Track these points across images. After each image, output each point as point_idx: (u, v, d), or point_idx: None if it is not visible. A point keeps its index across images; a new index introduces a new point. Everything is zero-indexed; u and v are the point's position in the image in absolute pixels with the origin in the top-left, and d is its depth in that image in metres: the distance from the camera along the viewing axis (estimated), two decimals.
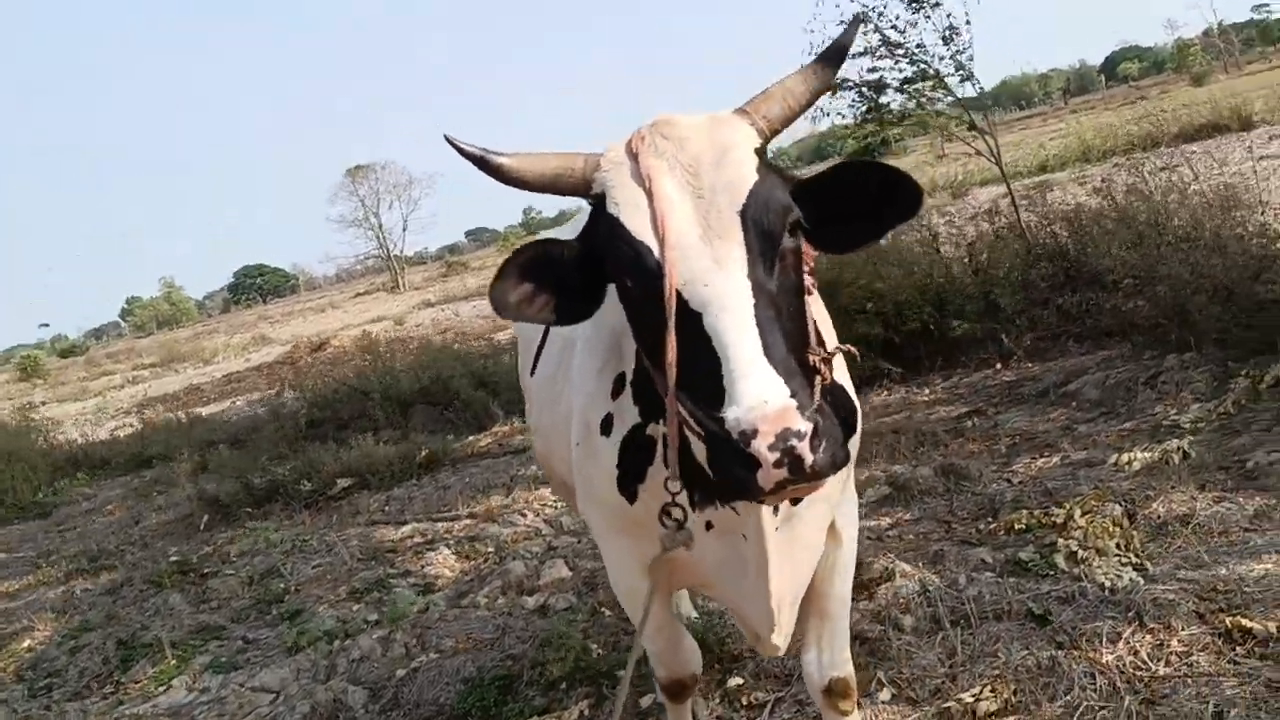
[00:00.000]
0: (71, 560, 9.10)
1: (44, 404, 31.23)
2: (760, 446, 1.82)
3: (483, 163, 2.25)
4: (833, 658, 3.04)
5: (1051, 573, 4.46)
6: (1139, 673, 3.59)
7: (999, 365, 8.21)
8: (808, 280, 2.33)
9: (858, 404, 2.87)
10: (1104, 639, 3.79)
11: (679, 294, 2.01)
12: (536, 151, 2.28)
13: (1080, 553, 4.53)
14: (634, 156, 2.16)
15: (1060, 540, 4.66)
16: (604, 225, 2.16)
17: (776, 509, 2.48)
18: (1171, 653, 3.67)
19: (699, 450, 2.08)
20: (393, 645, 5.41)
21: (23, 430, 14.65)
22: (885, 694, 3.84)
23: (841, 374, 2.84)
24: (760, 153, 2.20)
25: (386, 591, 6.45)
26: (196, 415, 15.28)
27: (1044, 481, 5.59)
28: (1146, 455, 5.56)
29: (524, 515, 7.61)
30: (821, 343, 2.30)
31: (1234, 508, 4.72)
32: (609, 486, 2.73)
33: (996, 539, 5.04)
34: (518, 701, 4.45)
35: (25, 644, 7.11)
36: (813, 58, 2.37)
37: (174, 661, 6.04)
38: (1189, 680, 3.48)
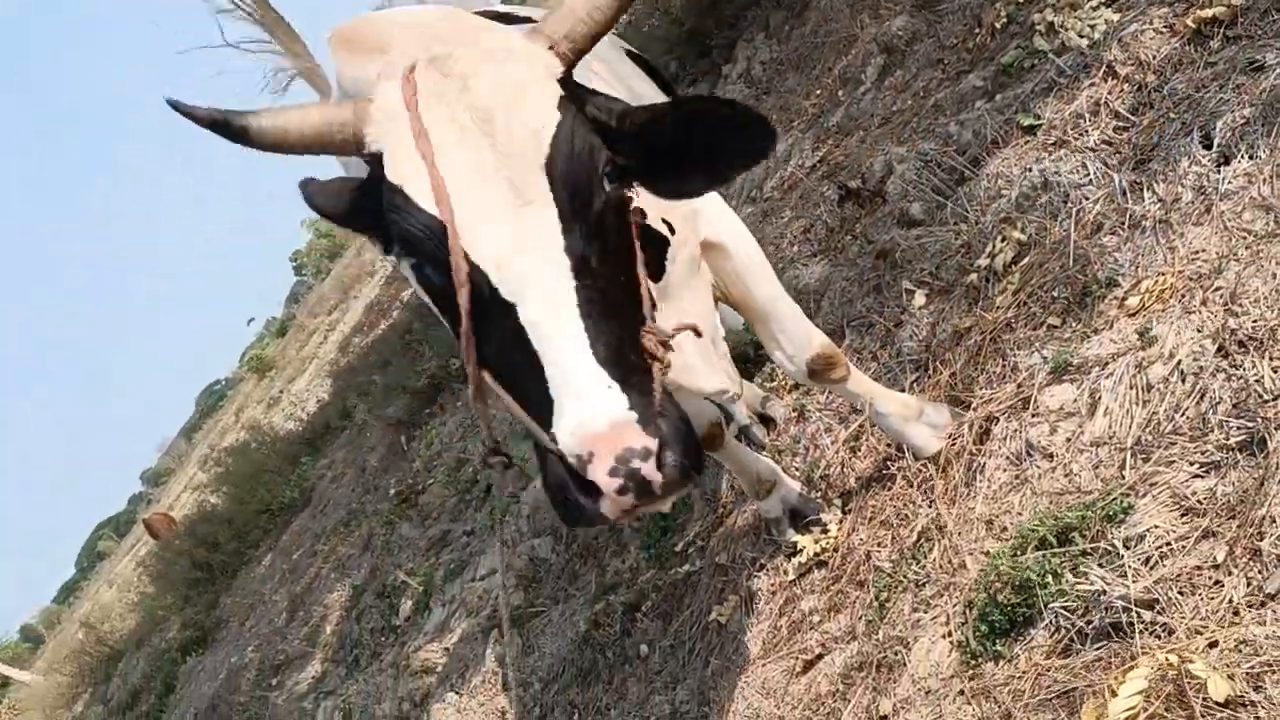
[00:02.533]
0: (333, 533, 9.99)
1: (282, 393, 33.33)
2: (598, 472, 1.57)
3: (223, 126, 1.83)
4: (794, 346, 2.93)
5: (1035, 63, 4.06)
6: (1122, 135, 3.28)
7: None
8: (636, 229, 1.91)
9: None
10: (1086, 116, 3.46)
11: (487, 277, 1.68)
12: (289, 106, 1.87)
13: (1056, 20, 4.08)
14: (411, 105, 1.75)
15: (1037, 16, 4.21)
16: (389, 197, 1.76)
17: None
18: (1149, 89, 3.31)
19: None
20: None
21: (251, 443, 15.91)
22: (919, 298, 3.70)
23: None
24: (565, 82, 1.81)
25: None
26: (360, 349, 16.06)
27: None
28: None
29: None
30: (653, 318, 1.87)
31: None
32: None
33: (985, 51, 4.61)
34: None
35: (329, 630, 7.99)
36: None
37: (421, 589, 6.62)
38: (1171, 113, 3.14)
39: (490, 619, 5.25)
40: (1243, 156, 2.78)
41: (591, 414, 1.58)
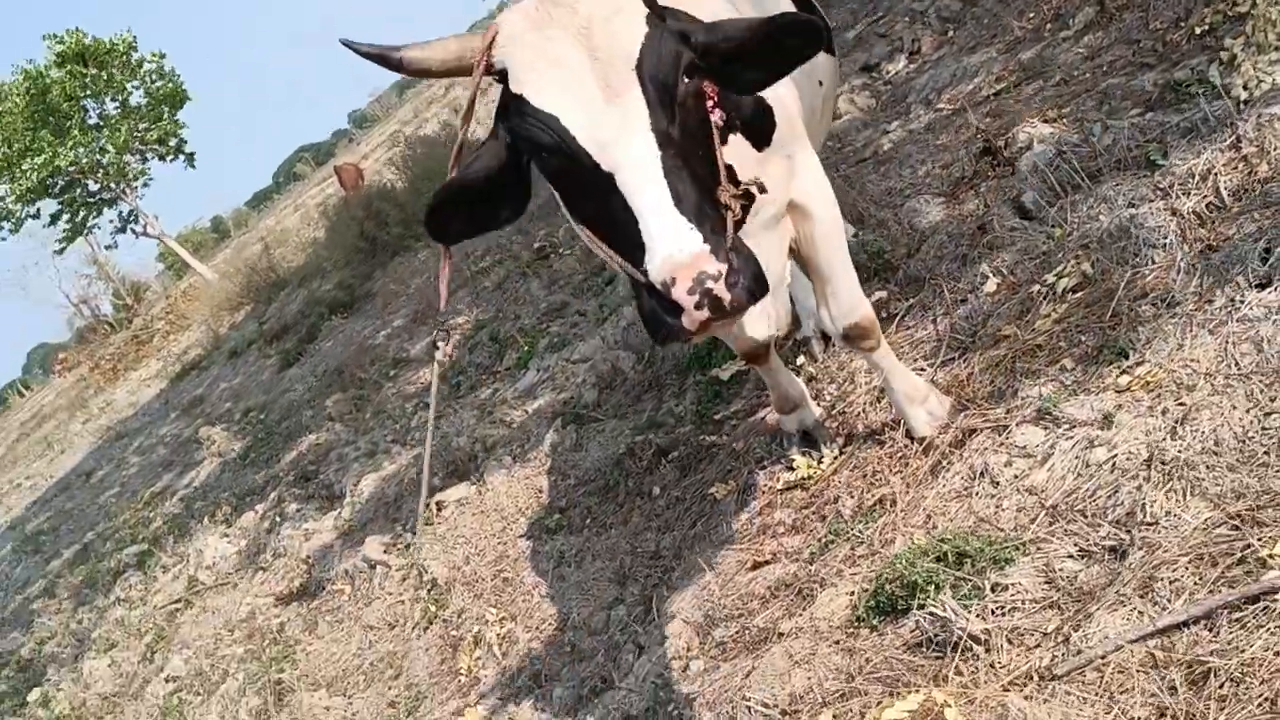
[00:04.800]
0: (477, 262, 10.82)
1: (490, 87, 33.63)
2: (679, 293, 2.04)
3: (384, 60, 2.39)
4: (840, 309, 3.33)
5: (1200, 92, 4.14)
6: (1211, 213, 3.47)
7: None
8: (717, 116, 2.44)
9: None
10: (1196, 179, 3.63)
11: (589, 154, 2.20)
12: (433, 40, 2.39)
13: (1240, 55, 4.12)
14: (530, 29, 2.28)
15: (1229, 40, 4.24)
16: (512, 104, 2.29)
17: None
18: (1256, 179, 3.46)
19: None
20: None
21: (441, 137, 16.79)
22: (990, 285, 4.01)
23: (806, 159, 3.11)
24: (652, 9, 2.30)
25: None
26: None
27: None
28: None
29: None
30: (734, 179, 2.42)
31: None
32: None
33: (1176, 52, 4.64)
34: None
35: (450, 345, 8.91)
36: None
37: (526, 348, 7.39)
38: (1255, 215, 3.32)
39: (565, 405, 5.96)
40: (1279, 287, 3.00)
41: (674, 248, 2.08)
